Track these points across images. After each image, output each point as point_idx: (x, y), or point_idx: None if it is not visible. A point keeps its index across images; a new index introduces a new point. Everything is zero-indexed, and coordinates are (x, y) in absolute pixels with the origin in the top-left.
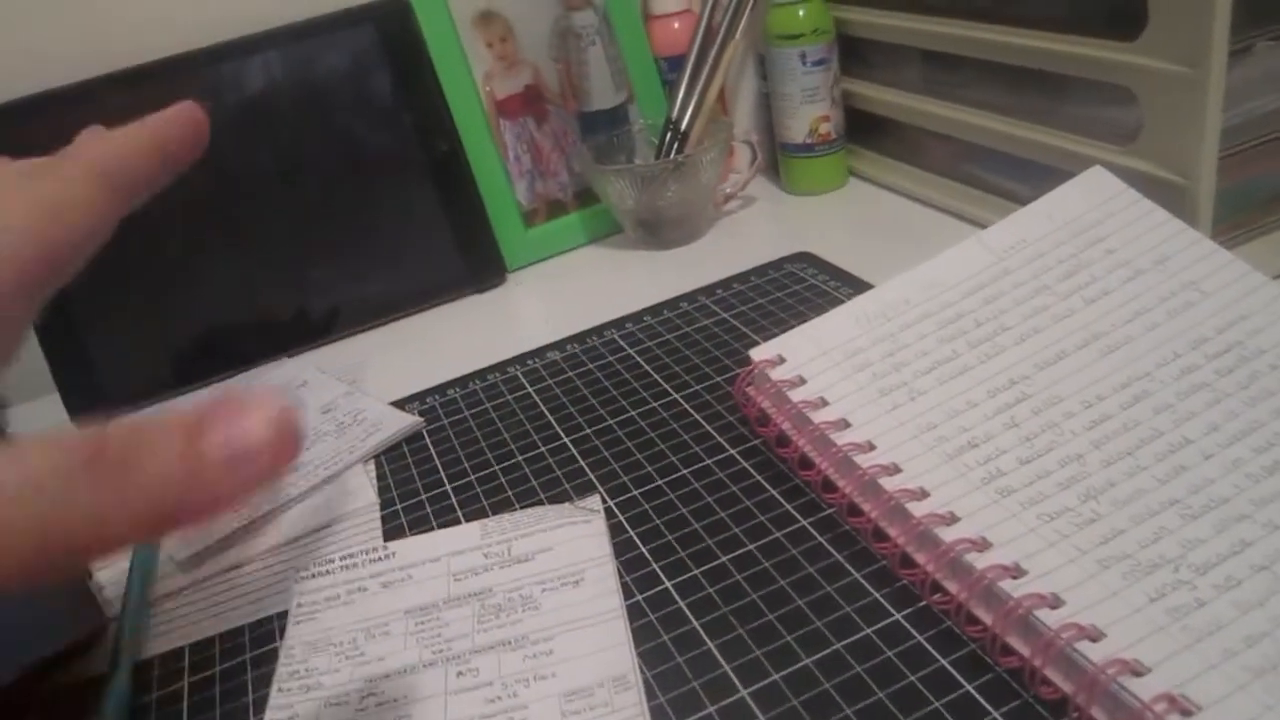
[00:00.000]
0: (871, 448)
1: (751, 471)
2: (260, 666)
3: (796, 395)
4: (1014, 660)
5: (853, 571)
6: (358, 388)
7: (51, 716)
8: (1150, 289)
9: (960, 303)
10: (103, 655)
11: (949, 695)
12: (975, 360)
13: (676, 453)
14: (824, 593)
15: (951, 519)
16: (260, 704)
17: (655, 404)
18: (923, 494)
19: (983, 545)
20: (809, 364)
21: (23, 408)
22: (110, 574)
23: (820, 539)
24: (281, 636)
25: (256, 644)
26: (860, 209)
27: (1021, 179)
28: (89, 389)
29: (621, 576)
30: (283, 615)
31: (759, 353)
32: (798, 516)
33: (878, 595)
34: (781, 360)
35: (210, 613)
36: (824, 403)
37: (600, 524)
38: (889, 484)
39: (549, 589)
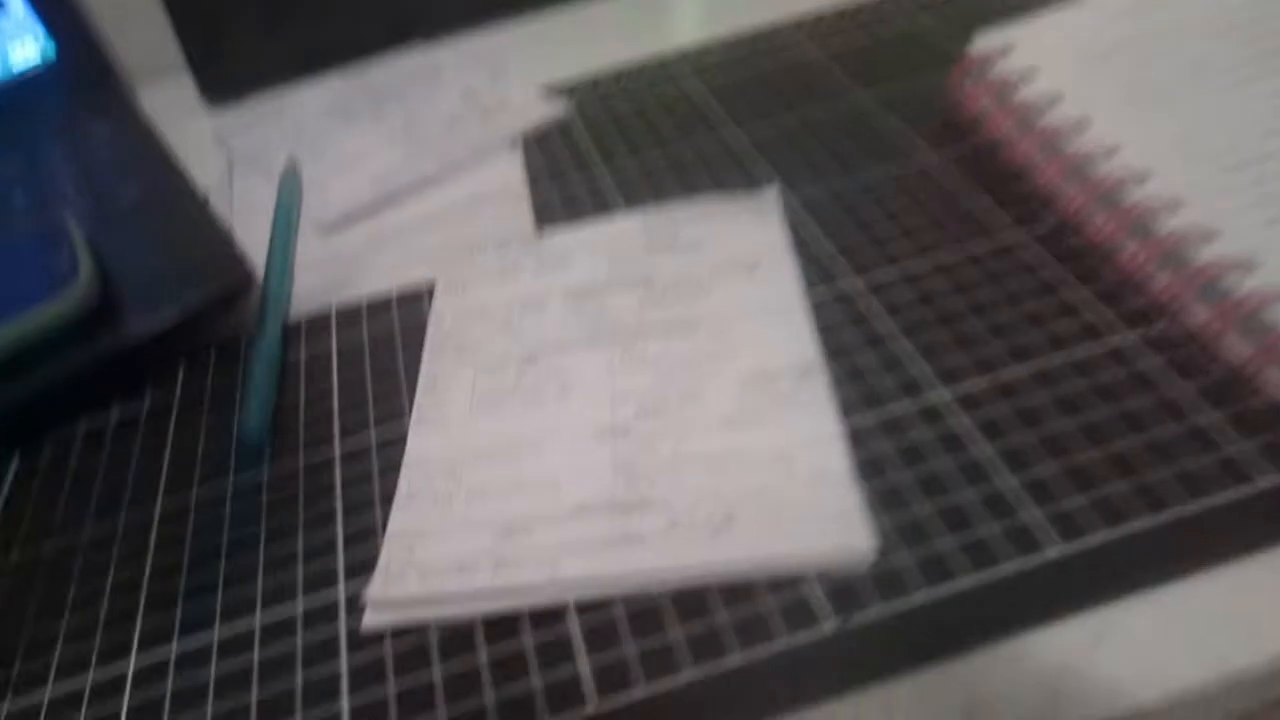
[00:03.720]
0: (1115, 152)
1: (959, 177)
2: (409, 332)
3: (1025, 92)
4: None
5: (1079, 287)
6: (501, 73)
7: (201, 368)
8: None
9: None
10: (249, 313)
11: (1185, 421)
12: (1256, 66)
13: (867, 153)
14: (1039, 304)
15: (1210, 236)
16: (411, 367)
17: (843, 100)
18: (1176, 205)
19: (1247, 267)
20: (1043, 56)
21: (154, 88)
22: (253, 241)
23: (1041, 250)
24: (430, 304)
25: (404, 311)
26: None
27: None
28: (220, 70)
29: (802, 268)
30: (430, 286)
31: (983, 43)
32: (1014, 226)
33: (1110, 314)
34: (1009, 51)
35: (355, 279)
36: (1058, 100)
37: (775, 215)
38: (1135, 193)
39: (721, 276)
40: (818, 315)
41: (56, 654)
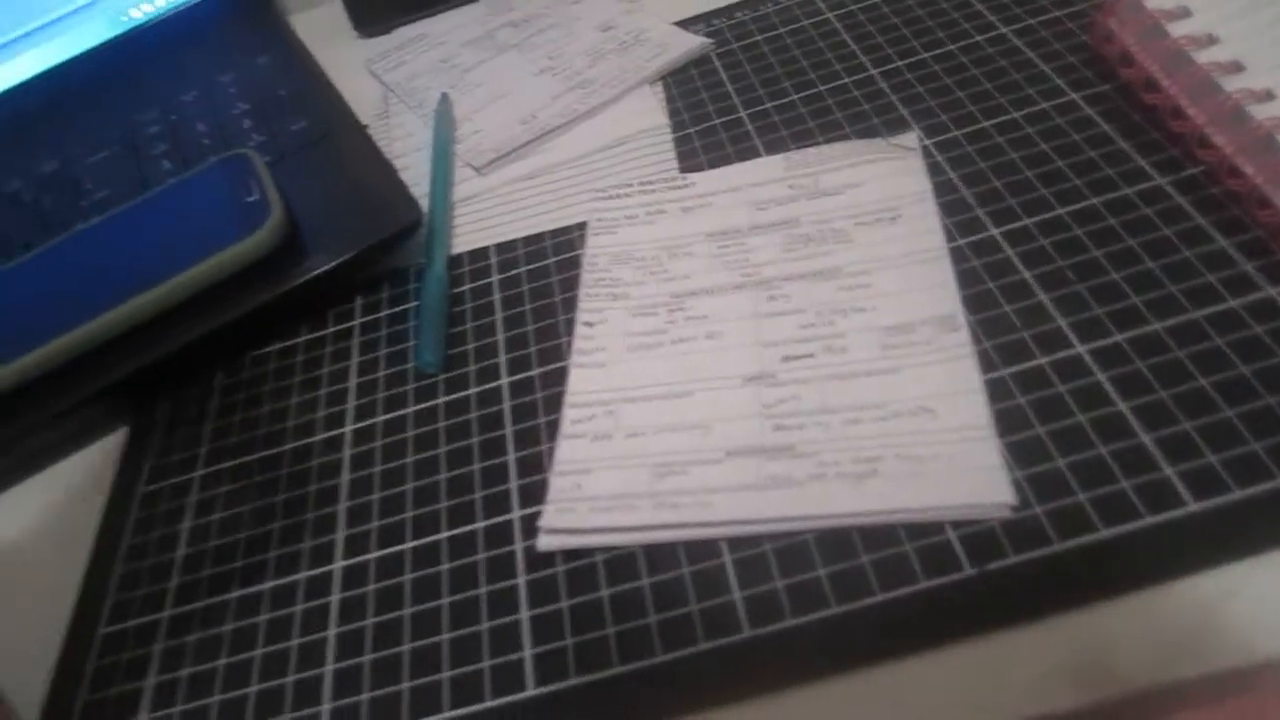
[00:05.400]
0: (1270, 98)
1: (1097, 120)
2: (564, 271)
3: (1176, 30)
4: None
5: (1218, 238)
6: (638, 6)
7: (375, 295)
8: None
9: None
10: (416, 248)
11: None
12: None
13: (1006, 93)
14: (1182, 257)
15: None
16: (567, 304)
17: (979, 38)
18: None
19: None
20: None
21: (298, 17)
22: (412, 175)
23: (1180, 200)
24: (583, 246)
25: (558, 250)
26: None
27: None
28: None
29: (942, 218)
30: (581, 226)
31: None
32: (1153, 174)
33: (1248, 267)
34: None
35: (510, 218)
36: (1212, 40)
37: (917, 162)
38: None
39: (862, 224)
40: (957, 265)
41: (271, 552)
